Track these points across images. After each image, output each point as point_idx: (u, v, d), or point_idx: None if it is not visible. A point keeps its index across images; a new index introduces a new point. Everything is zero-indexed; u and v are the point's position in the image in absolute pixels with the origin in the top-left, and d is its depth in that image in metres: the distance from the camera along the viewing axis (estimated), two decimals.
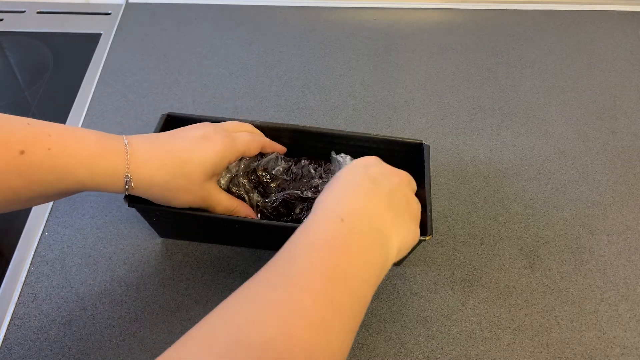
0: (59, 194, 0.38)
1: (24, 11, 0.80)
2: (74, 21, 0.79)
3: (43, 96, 0.68)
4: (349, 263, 0.32)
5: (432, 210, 0.54)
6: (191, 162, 0.41)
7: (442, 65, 0.73)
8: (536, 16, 0.83)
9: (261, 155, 0.50)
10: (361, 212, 0.35)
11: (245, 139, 0.45)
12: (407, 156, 0.51)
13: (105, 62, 0.71)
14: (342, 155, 0.50)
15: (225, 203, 0.44)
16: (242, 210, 0.46)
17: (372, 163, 0.40)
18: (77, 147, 0.37)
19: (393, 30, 0.79)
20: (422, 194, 0.46)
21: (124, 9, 0.81)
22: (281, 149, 0.50)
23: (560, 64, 0.74)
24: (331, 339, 0.29)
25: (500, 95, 0.69)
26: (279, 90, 0.68)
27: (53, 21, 0.79)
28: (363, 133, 0.51)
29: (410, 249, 0.39)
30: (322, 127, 0.53)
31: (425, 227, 0.43)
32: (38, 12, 0.80)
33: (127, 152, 0.39)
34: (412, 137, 0.51)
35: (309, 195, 0.47)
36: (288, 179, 0.49)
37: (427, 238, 0.42)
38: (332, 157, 0.50)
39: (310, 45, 0.75)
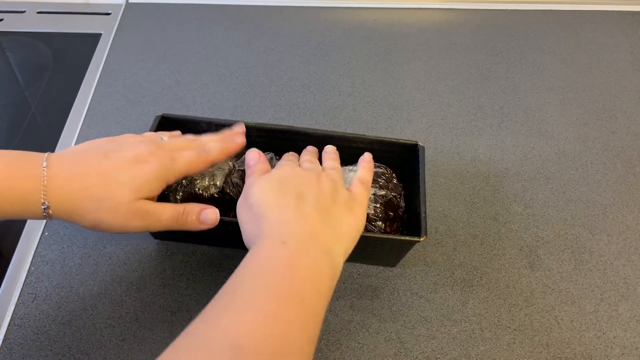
0: None
1: (24, 11, 0.80)
2: (74, 21, 0.79)
3: (43, 96, 0.68)
4: (296, 281, 0.32)
5: (432, 210, 0.55)
6: (117, 182, 0.37)
7: (442, 65, 0.73)
8: (536, 16, 0.83)
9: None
10: (300, 232, 0.35)
11: (187, 159, 0.41)
12: (402, 157, 0.51)
13: (105, 62, 0.71)
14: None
15: (169, 210, 0.40)
16: (193, 208, 0.41)
17: (286, 175, 0.39)
18: None
19: (393, 30, 0.79)
20: (416, 195, 0.46)
21: (124, 9, 0.81)
22: (234, 150, 0.45)
23: (560, 64, 0.74)
24: (286, 351, 0.29)
25: (500, 95, 0.69)
26: (279, 90, 0.68)
27: (53, 21, 0.79)
28: (357, 134, 0.51)
29: (358, 238, 0.39)
30: (316, 127, 0.53)
31: (419, 228, 0.43)
32: (38, 12, 0.80)
33: (43, 176, 0.35)
34: (408, 138, 0.51)
35: None
36: None
37: (421, 239, 0.42)
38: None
39: (310, 45, 0.75)
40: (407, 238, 0.43)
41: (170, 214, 0.40)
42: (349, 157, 0.52)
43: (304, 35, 0.77)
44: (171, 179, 0.40)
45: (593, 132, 0.65)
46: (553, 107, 0.68)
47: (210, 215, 0.41)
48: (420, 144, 0.49)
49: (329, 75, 0.71)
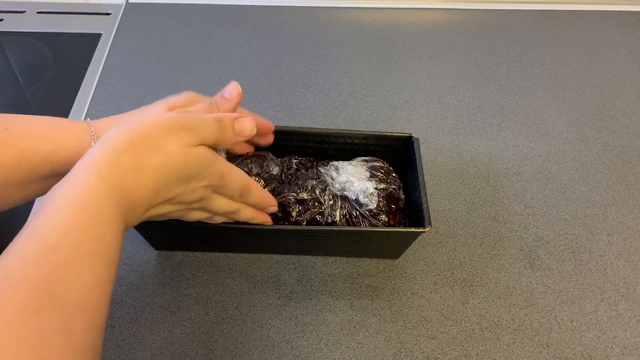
0: (31, 179, 0.37)
1: (24, 11, 0.80)
2: (74, 21, 0.79)
3: (43, 96, 0.68)
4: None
5: (433, 210, 0.55)
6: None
7: (442, 65, 0.73)
8: (536, 16, 0.83)
9: (253, 159, 0.49)
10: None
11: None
12: (397, 150, 0.52)
13: (105, 62, 0.71)
14: (334, 164, 0.50)
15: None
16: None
17: None
18: (35, 124, 0.37)
19: (393, 30, 0.79)
20: (415, 187, 0.47)
21: (124, 9, 0.81)
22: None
23: (560, 64, 0.74)
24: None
25: (500, 95, 0.69)
26: (279, 90, 0.68)
27: (53, 21, 0.79)
28: (352, 130, 0.51)
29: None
30: (310, 126, 0.53)
31: (422, 219, 0.44)
32: (38, 12, 0.80)
33: (89, 122, 0.40)
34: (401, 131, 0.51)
35: (305, 197, 0.47)
36: (282, 181, 0.49)
37: (426, 230, 0.43)
38: (322, 172, 0.49)
39: (310, 45, 0.75)
40: (413, 229, 0.44)
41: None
42: (344, 154, 0.52)
43: (304, 35, 0.77)
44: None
45: (593, 132, 0.65)
46: (553, 107, 0.68)
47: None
48: (415, 136, 0.50)
49: (329, 75, 0.71)
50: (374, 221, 0.46)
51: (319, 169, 0.50)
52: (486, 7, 0.84)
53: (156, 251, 0.51)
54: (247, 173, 0.48)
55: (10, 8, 0.80)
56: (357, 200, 0.46)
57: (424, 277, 0.50)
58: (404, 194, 0.50)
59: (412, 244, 0.51)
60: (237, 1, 0.82)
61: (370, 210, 0.46)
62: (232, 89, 0.43)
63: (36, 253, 0.26)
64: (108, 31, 0.77)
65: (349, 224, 0.47)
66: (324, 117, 0.65)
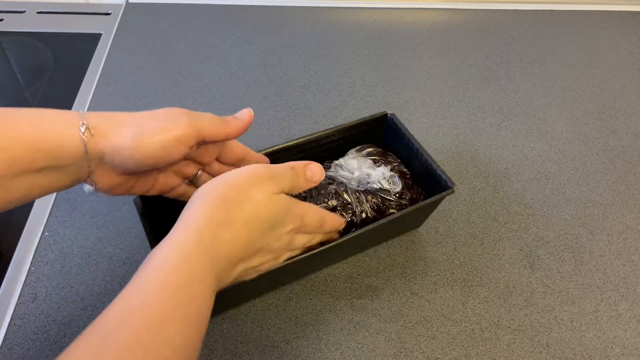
0: (13, 171, 0.34)
1: (24, 11, 0.80)
2: (74, 21, 0.79)
3: (43, 96, 0.68)
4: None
5: (433, 210, 0.55)
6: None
7: (442, 65, 0.73)
8: (536, 16, 0.83)
9: None
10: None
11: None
12: (376, 131, 0.54)
13: (105, 62, 0.71)
14: (336, 163, 0.50)
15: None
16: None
17: None
18: (16, 111, 0.34)
19: (393, 30, 0.79)
20: (417, 157, 0.49)
21: (124, 9, 0.81)
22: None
23: (560, 64, 0.74)
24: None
25: (500, 95, 0.69)
26: (279, 90, 0.68)
27: (53, 21, 0.79)
28: (332, 128, 0.52)
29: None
30: (315, 128, 0.53)
31: (443, 182, 0.46)
32: (38, 12, 0.80)
33: (81, 113, 0.36)
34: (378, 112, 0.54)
35: (335, 204, 0.47)
36: (304, 197, 0.48)
37: (454, 190, 0.45)
38: (331, 175, 0.49)
39: (310, 45, 0.75)
40: (443, 194, 0.45)
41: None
42: (334, 152, 0.53)
43: (304, 35, 0.77)
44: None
45: (593, 132, 0.65)
46: (553, 107, 0.68)
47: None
48: (389, 112, 0.53)
49: (329, 75, 0.71)
50: (401, 201, 0.48)
51: (327, 172, 0.49)
52: (486, 7, 0.84)
53: None
54: None
55: (10, 8, 0.80)
56: (381, 189, 0.47)
57: (424, 277, 0.50)
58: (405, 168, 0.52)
59: (412, 244, 0.52)
60: (237, 1, 0.82)
61: (396, 193, 0.48)
62: (244, 112, 0.44)
63: (137, 308, 0.27)
64: (108, 31, 0.77)
65: (378, 213, 0.48)
66: (324, 117, 0.65)
